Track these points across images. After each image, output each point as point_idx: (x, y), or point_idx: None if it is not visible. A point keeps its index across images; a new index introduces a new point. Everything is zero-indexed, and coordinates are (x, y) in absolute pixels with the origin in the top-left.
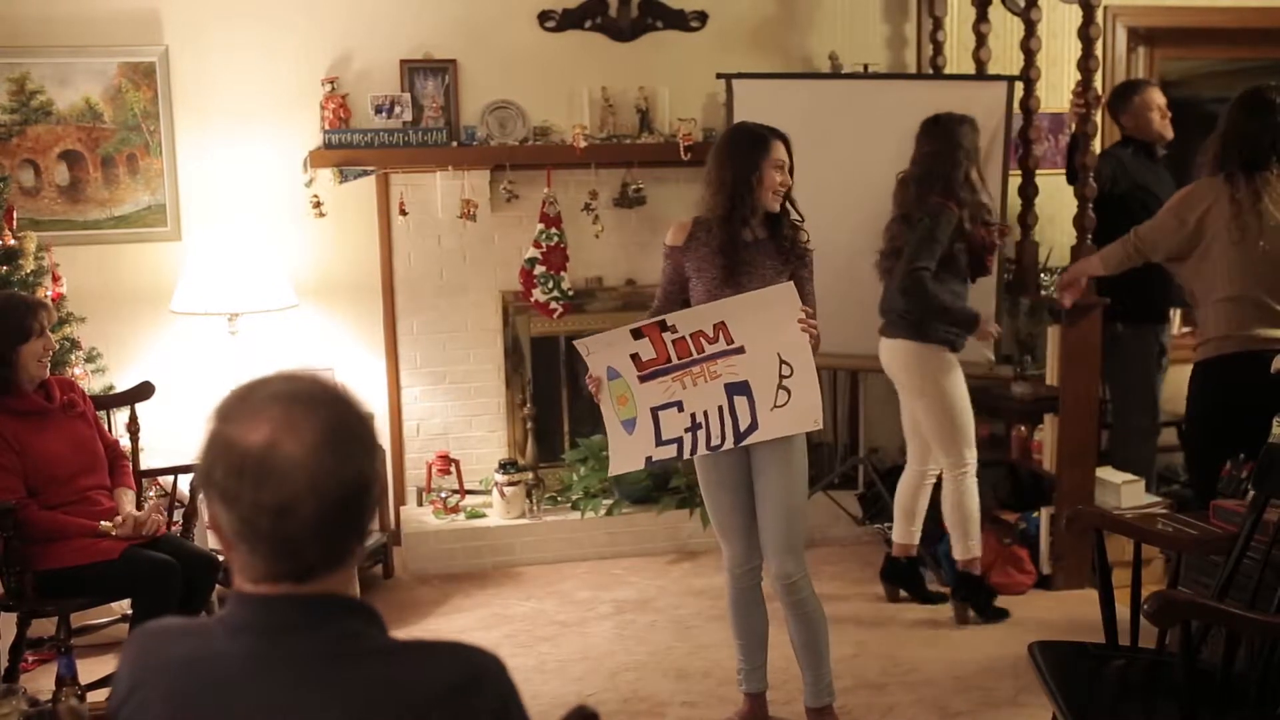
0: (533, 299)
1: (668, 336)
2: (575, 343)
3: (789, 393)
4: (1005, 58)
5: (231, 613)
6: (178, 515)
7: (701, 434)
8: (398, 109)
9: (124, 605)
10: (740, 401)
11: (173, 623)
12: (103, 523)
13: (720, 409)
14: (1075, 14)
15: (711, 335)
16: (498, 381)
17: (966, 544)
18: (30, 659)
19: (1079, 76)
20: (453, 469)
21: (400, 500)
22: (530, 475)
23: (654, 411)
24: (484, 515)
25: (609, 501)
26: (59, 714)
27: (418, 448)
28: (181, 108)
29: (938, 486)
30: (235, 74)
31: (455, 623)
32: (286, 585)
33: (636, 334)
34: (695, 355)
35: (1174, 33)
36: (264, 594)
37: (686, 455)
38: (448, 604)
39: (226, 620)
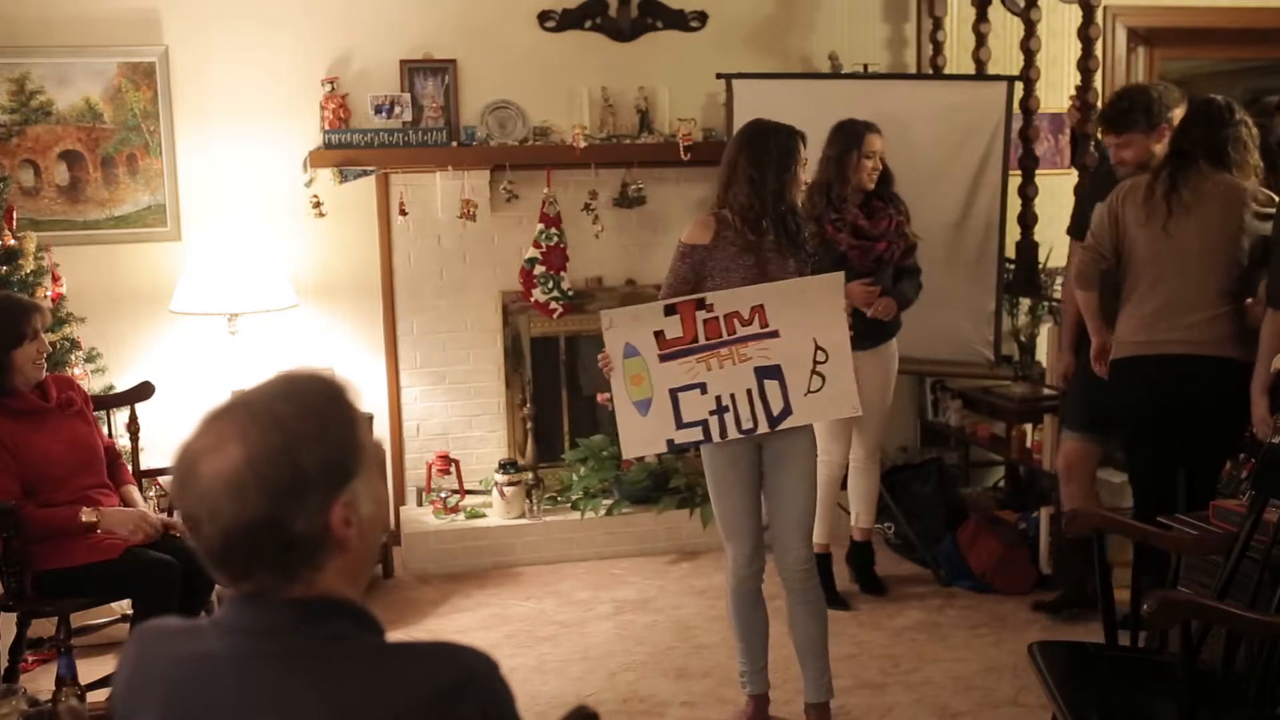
0: (533, 299)
1: (700, 315)
2: (602, 312)
3: (823, 378)
4: (1005, 58)
5: (224, 613)
6: (177, 515)
7: (730, 417)
8: (398, 109)
9: (124, 605)
10: (771, 385)
11: (171, 623)
12: (84, 510)
13: (750, 392)
14: (1075, 14)
15: (747, 317)
16: (497, 381)
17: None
18: (30, 659)
19: (1079, 77)
20: (452, 469)
21: (400, 500)
22: (530, 475)
23: (673, 393)
24: (484, 515)
25: (609, 501)
26: (59, 714)
27: (418, 448)
28: (181, 108)
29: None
30: (235, 74)
31: (455, 623)
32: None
33: (669, 310)
34: (725, 337)
35: (1174, 33)
36: (253, 595)
37: (715, 439)
38: (448, 604)
39: (219, 621)
